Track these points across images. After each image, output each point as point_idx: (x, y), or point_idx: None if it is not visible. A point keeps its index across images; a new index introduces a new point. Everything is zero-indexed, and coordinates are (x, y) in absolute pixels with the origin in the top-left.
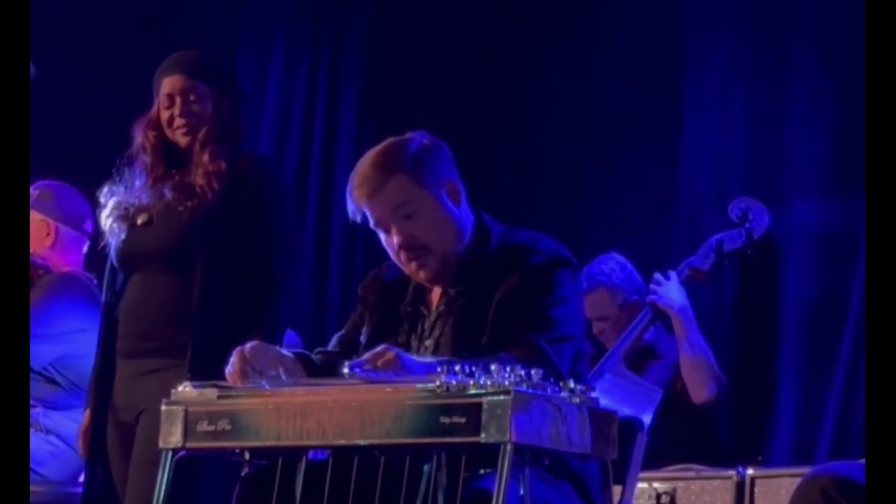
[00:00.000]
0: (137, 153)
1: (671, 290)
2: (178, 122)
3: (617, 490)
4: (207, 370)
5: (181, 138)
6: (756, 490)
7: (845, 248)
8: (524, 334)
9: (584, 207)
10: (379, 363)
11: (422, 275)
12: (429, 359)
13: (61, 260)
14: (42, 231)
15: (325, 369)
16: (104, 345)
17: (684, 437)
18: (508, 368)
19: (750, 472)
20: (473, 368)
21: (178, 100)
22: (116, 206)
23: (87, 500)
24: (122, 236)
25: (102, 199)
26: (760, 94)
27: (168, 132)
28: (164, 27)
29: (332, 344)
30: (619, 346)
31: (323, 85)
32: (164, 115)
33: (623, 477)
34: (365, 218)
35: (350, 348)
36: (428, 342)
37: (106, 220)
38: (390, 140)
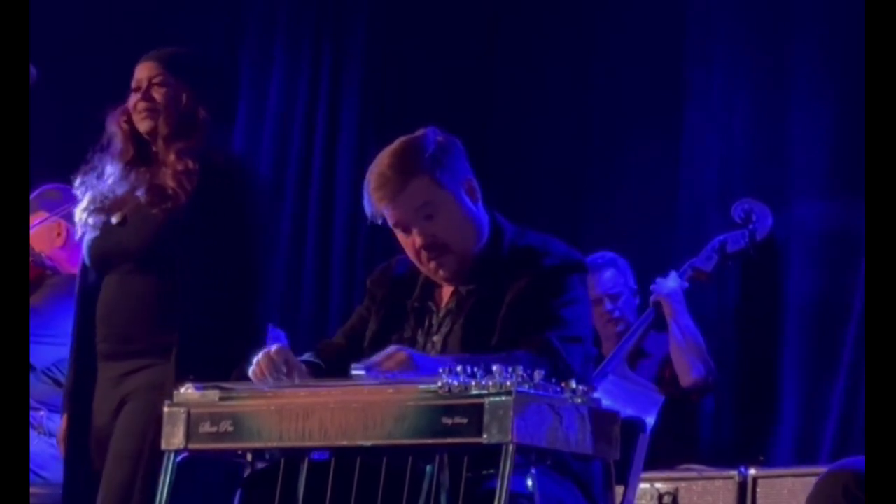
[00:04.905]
0: (109, 141)
1: (667, 281)
2: (140, 105)
3: (619, 490)
4: (193, 370)
5: (141, 123)
6: (758, 490)
7: (847, 249)
8: (536, 332)
9: (585, 208)
10: (390, 364)
11: (441, 274)
12: (442, 357)
13: (70, 260)
14: (53, 231)
15: (331, 371)
16: (81, 347)
17: (683, 436)
18: (510, 369)
19: (752, 472)
20: (475, 369)
21: (143, 85)
22: (92, 201)
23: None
24: (97, 234)
25: (78, 194)
26: (762, 94)
27: (135, 118)
28: (167, 30)
29: (337, 336)
30: (622, 346)
31: (325, 86)
32: (132, 101)
33: (625, 477)
34: (384, 219)
35: (355, 341)
36: (435, 338)
37: (81, 213)
38: (405, 139)
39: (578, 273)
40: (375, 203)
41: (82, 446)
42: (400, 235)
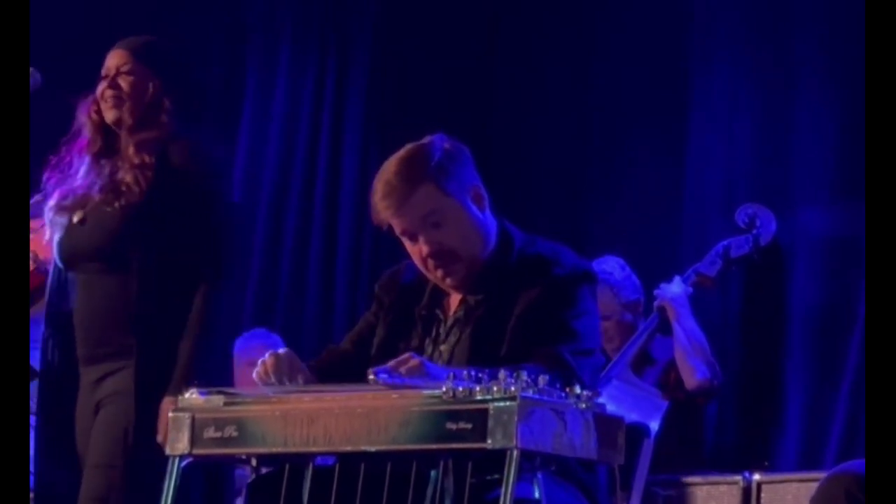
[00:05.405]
0: (78, 132)
1: (671, 285)
2: (107, 94)
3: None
4: (155, 370)
5: (107, 112)
6: (762, 495)
7: (852, 254)
8: (548, 346)
9: (586, 209)
10: (403, 369)
11: (448, 282)
12: (453, 369)
13: None
14: None
15: (338, 377)
16: (47, 350)
17: (688, 440)
18: (514, 374)
19: (756, 477)
20: (480, 374)
21: (111, 73)
22: (58, 198)
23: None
24: (62, 234)
25: (48, 190)
26: (767, 99)
27: (102, 107)
28: (170, 36)
29: (344, 342)
30: (626, 352)
31: (329, 87)
32: (99, 89)
33: (630, 483)
34: (390, 226)
35: (362, 347)
36: (443, 347)
37: (48, 211)
38: (412, 147)
39: (588, 283)
40: (382, 212)
41: (55, 449)
42: (407, 243)
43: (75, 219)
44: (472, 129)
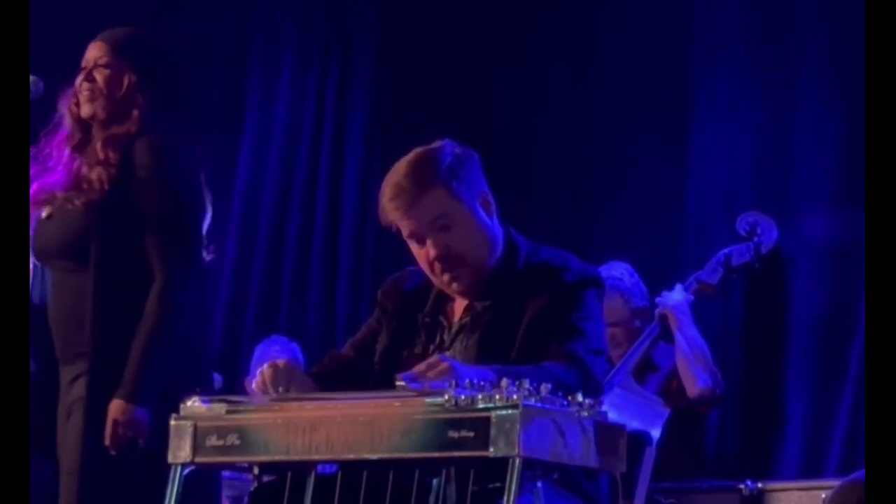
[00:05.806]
0: (59, 124)
1: (673, 293)
2: (83, 86)
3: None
4: (112, 373)
5: (83, 106)
6: None
7: (854, 261)
8: (562, 345)
9: (589, 215)
10: (432, 374)
11: (454, 287)
12: (482, 367)
13: None
14: None
15: (340, 383)
16: (38, 348)
17: (691, 448)
18: (517, 382)
19: (758, 485)
20: (483, 383)
21: (89, 66)
22: (33, 192)
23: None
24: (33, 229)
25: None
26: (770, 106)
27: (80, 100)
28: (171, 36)
29: (346, 348)
30: (627, 359)
31: (332, 90)
32: (77, 81)
33: (632, 491)
34: (398, 228)
35: (364, 354)
36: (448, 354)
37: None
38: (422, 150)
39: (596, 289)
40: (390, 213)
41: (40, 450)
42: (413, 246)
43: (44, 214)
44: (472, 129)
